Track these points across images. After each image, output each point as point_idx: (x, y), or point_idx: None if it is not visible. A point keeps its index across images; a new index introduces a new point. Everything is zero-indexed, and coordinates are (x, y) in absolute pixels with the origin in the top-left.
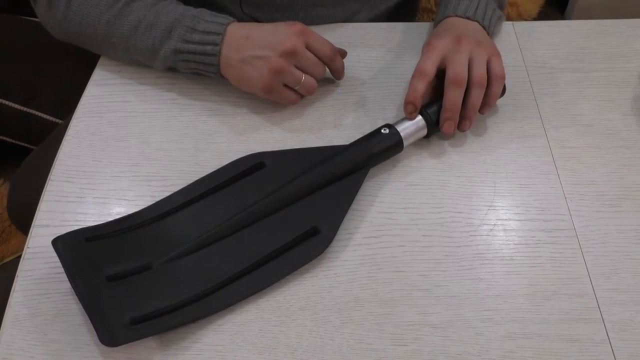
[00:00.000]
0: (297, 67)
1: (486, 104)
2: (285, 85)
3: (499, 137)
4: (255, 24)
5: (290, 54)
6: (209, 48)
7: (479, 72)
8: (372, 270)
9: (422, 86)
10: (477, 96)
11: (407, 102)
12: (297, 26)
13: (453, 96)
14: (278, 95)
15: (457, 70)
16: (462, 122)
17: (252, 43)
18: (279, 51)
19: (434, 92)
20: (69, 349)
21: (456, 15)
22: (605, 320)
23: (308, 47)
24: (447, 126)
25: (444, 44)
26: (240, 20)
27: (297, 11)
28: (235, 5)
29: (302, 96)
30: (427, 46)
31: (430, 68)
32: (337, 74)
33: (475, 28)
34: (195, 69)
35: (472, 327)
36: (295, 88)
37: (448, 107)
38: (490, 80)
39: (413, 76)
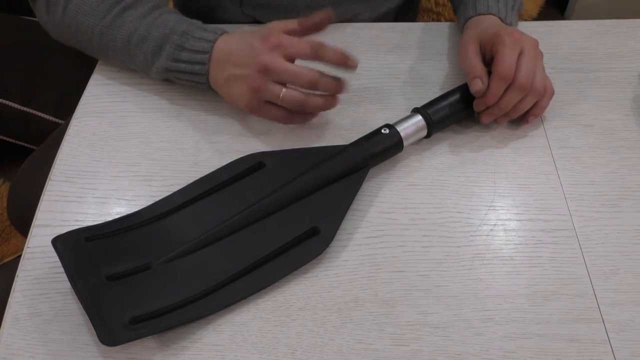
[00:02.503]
0: (277, 82)
1: (534, 115)
2: (271, 103)
3: (499, 137)
4: (243, 34)
5: (265, 71)
6: (197, 67)
7: (543, 83)
8: (372, 270)
9: (502, 90)
10: (530, 103)
11: (482, 104)
12: (272, 39)
13: (512, 98)
14: (261, 113)
15: (528, 76)
16: (502, 117)
17: (233, 60)
18: (254, 69)
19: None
20: (69, 349)
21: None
22: (605, 320)
23: (287, 57)
24: (486, 118)
25: (520, 43)
26: (241, 21)
27: (297, 12)
28: (235, 6)
29: (290, 112)
30: (509, 39)
31: (513, 72)
32: (341, 65)
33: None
34: (188, 85)
35: (472, 327)
36: (278, 103)
37: (503, 106)
38: (547, 93)
39: (496, 78)
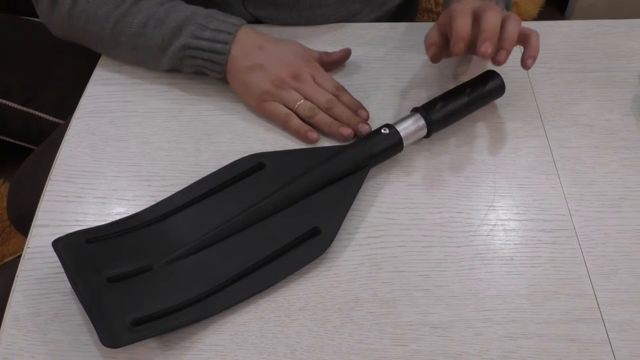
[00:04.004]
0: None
1: (531, 56)
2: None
3: (499, 137)
4: (267, 35)
5: (295, 79)
6: (218, 46)
7: (514, 15)
8: (372, 270)
9: (468, 22)
10: (514, 28)
11: (458, 39)
12: (312, 63)
13: (490, 17)
14: (266, 106)
15: (490, 4)
16: (499, 52)
17: (265, 54)
18: (286, 72)
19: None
20: (69, 349)
21: None
22: (605, 320)
23: (314, 81)
24: (486, 47)
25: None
26: (243, 19)
27: (300, 11)
28: (238, 4)
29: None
30: (461, 5)
31: (470, 8)
32: (352, 109)
33: None
34: (202, 66)
35: (472, 327)
36: (292, 109)
37: (487, 27)
38: (528, 34)
39: (456, 16)
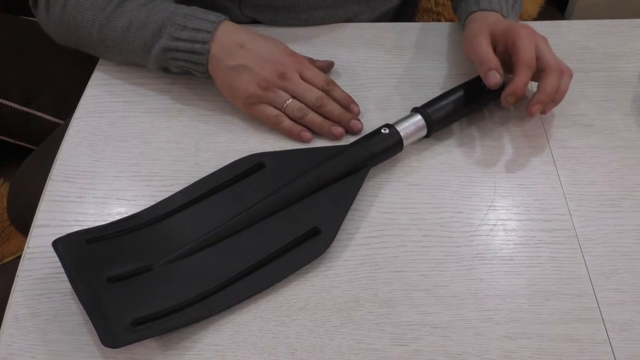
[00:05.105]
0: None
1: (556, 102)
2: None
3: (499, 137)
4: (248, 30)
5: (282, 78)
6: (197, 46)
7: (569, 70)
8: (372, 270)
9: (529, 79)
10: (568, 83)
11: (510, 94)
12: (298, 57)
13: (552, 82)
14: (254, 109)
15: (555, 59)
16: (549, 105)
17: (247, 54)
18: (272, 71)
19: None
20: (69, 349)
21: (500, 13)
22: (605, 320)
23: (303, 78)
24: (536, 109)
25: (535, 35)
26: (239, 22)
27: (299, 13)
28: (234, 6)
29: (283, 115)
30: (524, 31)
31: (534, 50)
32: (344, 107)
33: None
34: (185, 67)
35: (472, 327)
36: (281, 109)
37: (549, 91)
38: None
39: (521, 66)
